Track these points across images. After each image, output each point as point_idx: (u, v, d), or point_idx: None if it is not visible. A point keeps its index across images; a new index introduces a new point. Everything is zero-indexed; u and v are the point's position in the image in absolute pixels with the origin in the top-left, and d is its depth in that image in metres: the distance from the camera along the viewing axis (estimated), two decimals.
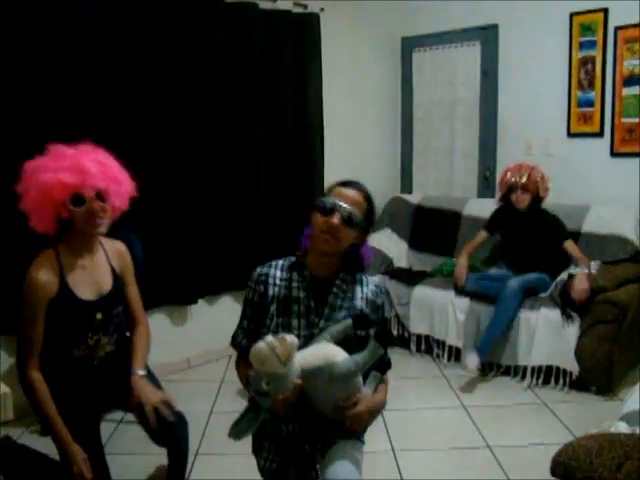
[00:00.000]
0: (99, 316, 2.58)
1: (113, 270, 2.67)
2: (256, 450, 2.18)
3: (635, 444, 1.56)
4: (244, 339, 2.12)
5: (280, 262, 2.14)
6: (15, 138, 3.33)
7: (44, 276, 2.48)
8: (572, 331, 3.72)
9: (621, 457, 1.50)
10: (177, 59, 3.94)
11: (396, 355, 4.46)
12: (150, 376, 2.69)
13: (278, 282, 2.10)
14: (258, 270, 2.14)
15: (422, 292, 4.36)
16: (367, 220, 2.09)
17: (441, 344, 4.31)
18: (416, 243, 5.10)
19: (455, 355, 4.24)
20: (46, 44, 3.37)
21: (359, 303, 2.09)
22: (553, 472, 1.59)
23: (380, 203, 5.33)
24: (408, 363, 4.35)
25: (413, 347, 4.45)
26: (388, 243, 5.01)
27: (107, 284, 2.64)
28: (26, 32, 3.31)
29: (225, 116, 4.21)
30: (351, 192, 2.07)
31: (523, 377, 3.94)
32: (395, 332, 4.53)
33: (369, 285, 2.15)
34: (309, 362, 1.90)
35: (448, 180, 5.36)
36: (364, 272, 2.19)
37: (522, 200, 4.09)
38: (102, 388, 2.65)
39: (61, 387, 2.52)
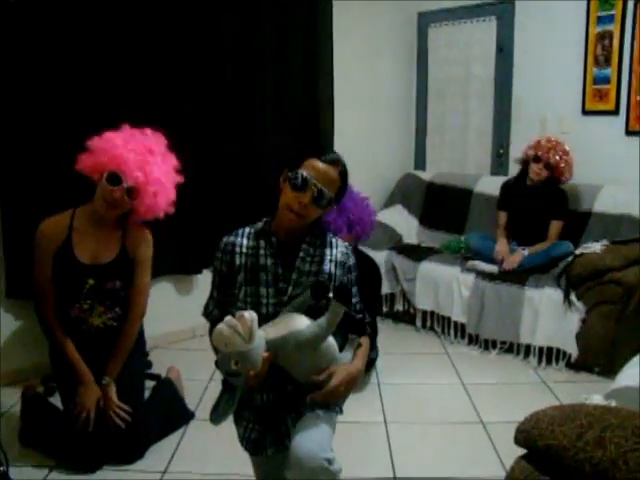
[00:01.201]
0: (91, 281, 2.71)
1: (124, 247, 2.78)
2: (236, 419, 2.17)
3: (601, 415, 1.53)
4: (215, 309, 2.11)
5: (247, 229, 2.10)
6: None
7: (52, 227, 2.72)
8: (574, 314, 3.67)
9: (584, 426, 1.47)
10: (185, 36, 3.92)
11: (401, 331, 4.48)
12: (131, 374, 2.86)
13: (245, 250, 2.05)
14: (224, 239, 2.09)
15: (428, 268, 4.33)
16: (337, 197, 2.05)
17: (446, 320, 4.29)
18: (427, 220, 5.07)
19: (460, 331, 4.22)
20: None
21: (327, 267, 2.07)
22: (516, 440, 1.58)
23: (393, 179, 5.31)
24: (412, 339, 4.34)
25: (419, 323, 4.43)
26: (399, 219, 4.99)
27: (108, 256, 2.77)
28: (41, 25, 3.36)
29: (234, 90, 4.20)
30: (326, 168, 2.00)
31: (526, 355, 3.91)
32: (401, 308, 4.51)
33: (338, 247, 2.11)
34: (273, 333, 1.89)
35: (462, 157, 5.30)
36: (333, 234, 2.17)
37: (539, 174, 4.11)
38: (95, 357, 2.78)
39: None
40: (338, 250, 2.11)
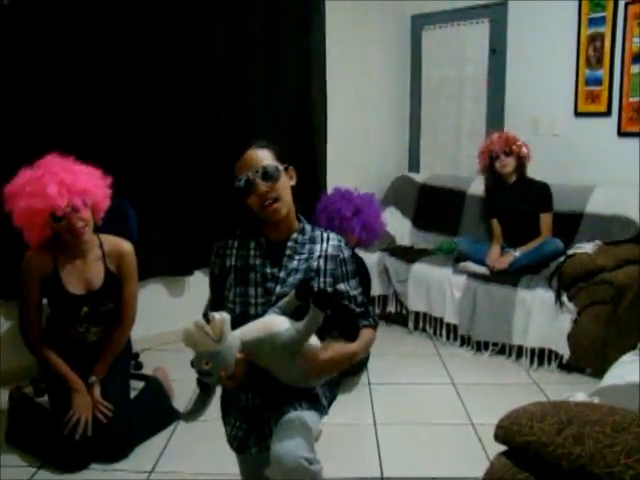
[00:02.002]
0: (85, 309, 2.81)
1: (107, 270, 2.82)
2: (224, 418, 2.19)
3: (581, 411, 1.52)
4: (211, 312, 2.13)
5: (238, 232, 2.12)
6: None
7: (38, 257, 2.77)
8: (566, 315, 3.66)
9: (563, 422, 1.47)
10: (176, 37, 3.93)
11: (394, 333, 4.47)
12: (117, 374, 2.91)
13: (235, 252, 2.08)
14: (217, 243, 2.13)
15: (420, 269, 4.33)
16: (284, 159, 2.07)
17: (438, 321, 4.28)
18: (420, 222, 5.06)
19: (453, 333, 4.21)
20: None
21: (315, 263, 2.07)
22: (496, 436, 1.57)
23: (386, 181, 5.31)
24: (404, 340, 4.33)
25: (411, 325, 4.42)
26: (392, 221, 4.97)
27: (97, 282, 2.85)
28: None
29: (227, 92, 4.21)
30: (250, 154, 2.03)
31: (518, 357, 3.90)
32: (393, 309, 4.51)
33: (329, 241, 2.11)
34: (249, 335, 1.89)
35: (455, 159, 5.30)
36: (323, 229, 2.17)
37: (507, 164, 4.17)
38: (89, 364, 2.86)
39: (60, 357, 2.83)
40: (329, 244, 2.10)
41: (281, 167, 2.04)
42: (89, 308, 2.81)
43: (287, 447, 1.82)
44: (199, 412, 1.97)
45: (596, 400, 1.86)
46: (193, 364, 1.87)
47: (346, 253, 2.13)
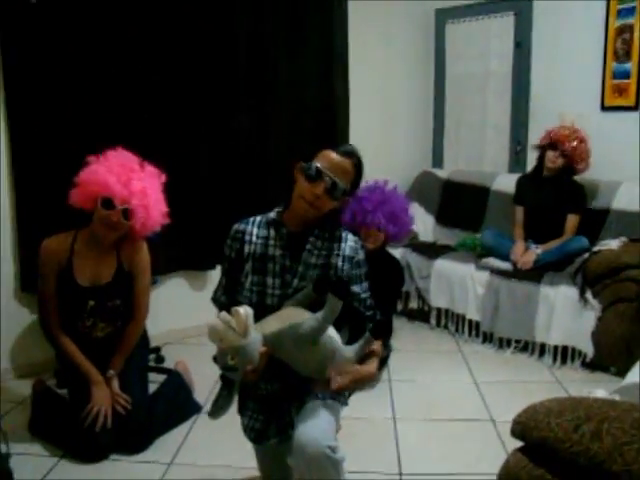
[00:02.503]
0: (92, 303, 2.83)
1: (120, 266, 2.86)
2: (241, 410, 2.21)
3: (600, 407, 1.50)
4: (222, 295, 2.14)
5: (258, 218, 2.13)
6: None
7: (55, 247, 2.81)
8: (590, 312, 3.61)
9: (581, 419, 1.44)
10: (198, 35, 3.94)
11: (415, 329, 4.44)
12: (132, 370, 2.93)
13: (254, 239, 2.08)
14: (235, 227, 2.13)
15: (443, 265, 4.29)
16: (352, 188, 2.06)
17: (460, 318, 4.24)
18: (443, 218, 5.03)
19: (475, 330, 4.17)
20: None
21: (334, 260, 2.07)
22: (512, 432, 1.55)
23: (410, 177, 5.27)
24: (426, 337, 4.30)
25: (433, 321, 4.39)
26: (415, 217, 4.91)
27: (106, 277, 2.87)
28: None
29: (249, 89, 4.21)
30: (340, 159, 2.01)
31: (541, 354, 3.85)
32: (415, 305, 4.49)
33: (347, 241, 2.11)
34: (270, 328, 1.89)
35: (479, 155, 5.24)
36: (343, 228, 2.16)
37: (555, 162, 4.07)
38: (100, 361, 2.88)
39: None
40: (347, 245, 2.11)
41: (347, 189, 2.03)
42: (95, 302, 2.83)
43: (311, 435, 1.83)
44: (225, 408, 1.98)
45: (617, 397, 1.83)
46: (217, 360, 1.88)
47: (361, 255, 2.13)
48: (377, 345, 2.04)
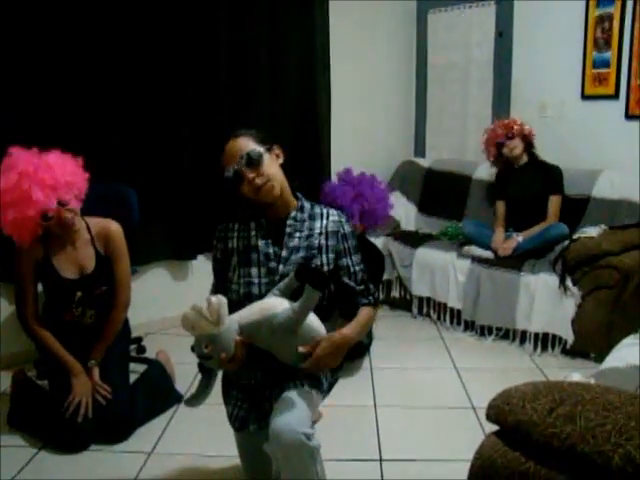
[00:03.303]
0: (79, 294, 2.82)
1: (98, 252, 2.82)
2: (225, 398, 2.22)
3: (574, 391, 1.51)
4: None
5: (239, 215, 2.14)
6: None
7: (29, 246, 2.73)
8: (570, 299, 3.63)
9: (555, 402, 1.45)
10: (176, 21, 3.92)
11: (397, 317, 4.46)
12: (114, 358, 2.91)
13: (236, 234, 2.11)
14: (219, 227, 2.15)
15: (424, 254, 4.30)
16: (266, 140, 2.08)
17: (442, 306, 4.26)
18: (425, 207, 5.03)
19: (457, 318, 4.19)
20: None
21: (316, 240, 2.07)
22: (487, 416, 1.56)
23: (392, 166, 5.28)
24: (408, 325, 4.32)
25: (415, 309, 4.41)
26: (397, 206, 4.94)
27: (90, 266, 2.84)
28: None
29: (227, 72, 4.17)
30: (232, 145, 2.04)
31: (522, 342, 3.88)
32: (397, 294, 4.49)
33: (330, 217, 2.12)
34: (247, 318, 1.91)
35: (461, 144, 5.25)
36: (324, 205, 2.17)
37: (514, 147, 4.15)
38: (87, 348, 2.86)
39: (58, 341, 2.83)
40: (329, 220, 2.11)
41: (263, 149, 2.04)
42: (83, 292, 2.81)
43: (286, 422, 1.84)
44: (203, 396, 2.01)
45: (592, 381, 1.84)
46: (193, 349, 1.90)
47: (347, 228, 2.14)
48: (363, 311, 2.08)
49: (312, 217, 2.11)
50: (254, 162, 2.00)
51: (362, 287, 2.14)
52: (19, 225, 2.59)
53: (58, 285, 2.79)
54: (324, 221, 2.11)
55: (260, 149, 2.03)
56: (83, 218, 2.84)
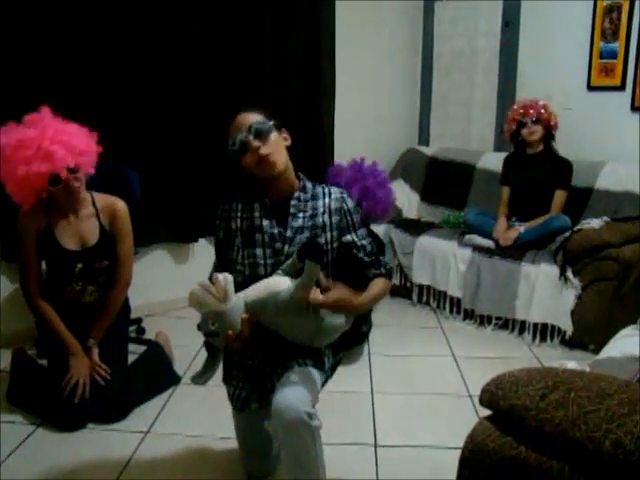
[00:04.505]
0: (79, 266, 2.80)
1: (102, 226, 2.80)
2: (226, 379, 2.24)
3: (567, 377, 1.51)
4: None
5: (242, 195, 2.14)
6: None
7: (31, 216, 2.75)
8: (570, 290, 3.63)
9: (549, 387, 1.45)
10: (181, 15, 3.91)
11: (397, 305, 4.45)
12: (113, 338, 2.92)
13: (239, 214, 2.10)
14: (221, 207, 2.15)
15: (425, 242, 4.30)
16: (275, 115, 2.07)
17: (442, 295, 4.26)
18: (428, 195, 5.03)
19: (456, 306, 4.18)
20: None
21: (320, 219, 2.08)
22: (480, 400, 1.56)
23: (396, 154, 5.26)
24: (407, 313, 4.32)
25: (415, 297, 4.41)
26: (400, 194, 4.93)
27: (92, 238, 2.83)
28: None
29: (231, 51, 4.15)
30: (241, 116, 2.04)
31: (521, 332, 3.88)
32: (397, 282, 4.48)
33: (332, 195, 2.12)
34: (252, 296, 1.92)
35: (465, 133, 5.24)
36: (325, 185, 2.17)
37: (534, 132, 4.09)
38: (88, 327, 2.87)
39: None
40: (332, 198, 2.12)
41: (271, 123, 2.04)
42: (84, 264, 2.80)
43: (289, 400, 1.85)
44: (208, 374, 2.01)
45: (587, 369, 1.84)
46: (200, 327, 1.92)
47: (349, 204, 2.14)
48: (376, 283, 2.07)
49: (315, 197, 2.12)
50: (261, 132, 1.99)
51: (371, 258, 2.14)
52: (26, 184, 2.58)
53: (59, 256, 2.78)
54: (326, 199, 2.11)
55: (269, 122, 2.03)
56: (90, 192, 2.84)
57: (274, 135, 2.03)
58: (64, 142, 2.58)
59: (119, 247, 2.86)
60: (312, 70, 4.58)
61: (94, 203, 2.84)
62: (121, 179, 3.34)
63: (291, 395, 1.87)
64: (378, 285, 2.10)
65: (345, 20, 4.74)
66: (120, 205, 2.87)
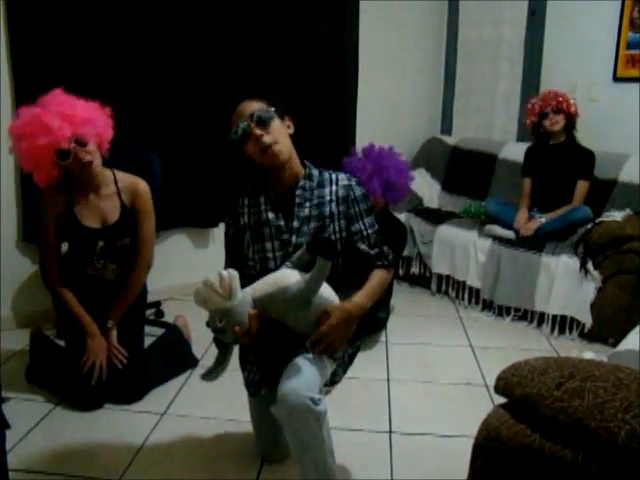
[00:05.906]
0: (101, 244, 2.81)
1: (123, 205, 2.80)
2: (242, 364, 2.25)
3: (584, 367, 1.50)
4: None
5: (248, 189, 2.13)
6: None
7: (53, 195, 2.76)
8: (590, 283, 3.59)
9: (565, 377, 1.45)
10: (201, 13, 3.90)
11: (416, 294, 4.45)
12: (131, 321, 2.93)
13: (247, 210, 2.10)
14: (230, 203, 2.15)
15: (446, 231, 4.27)
16: (277, 103, 2.05)
17: (461, 285, 4.24)
18: (449, 185, 4.99)
19: (475, 297, 4.17)
20: None
21: (327, 208, 2.06)
22: (496, 388, 1.56)
23: (418, 143, 5.24)
24: (426, 302, 4.31)
25: (434, 287, 4.39)
26: (421, 183, 4.92)
27: (113, 216, 2.83)
28: None
29: (253, 38, 4.15)
30: (243, 105, 2.04)
31: (540, 323, 3.85)
32: (417, 271, 4.48)
33: (339, 182, 2.10)
34: (260, 291, 1.91)
35: (488, 123, 5.19)
36: (332, 171, 2.15)
37: (556, 122, 4.04)
38: (106, 305, 2.87)
39: (77, 298, 2.84)
40: (339, 186, 2.09)
41: (273, 110, 2.02)
42: (105, 242, 2.80)
43: (293, 386, 1.84)
44: (218, 370, 2.01)
45: (604, 359, 1.83)
46: (208, 324, 1.92)
47: (357, 191, 2.11)
48: (376, 275, 2.07)
49: (321, 184, 2.09)
50: (263, 121, 1.98)
51: (376, 250, 2.13)
52: (33, 158, 2.59)
53: (80, 234, 2.78)
54: (333, 187, 2.09)
55: (271, 110, 2.02)
56: (112, 170, 2.84)
57: (276, 123, 2.01)
58: (61, 113, 2.57)
59: (141, 227, 2.85)
60: (335, 56, 4.56)
61: (116, 182, 2.83)
62: (143, 163, 3.35)
63: (295, 380, 1.87)
64: (377, 277, 2.08)
65: (368, 8, 4.72)
66: (142, 185, 2.87)
